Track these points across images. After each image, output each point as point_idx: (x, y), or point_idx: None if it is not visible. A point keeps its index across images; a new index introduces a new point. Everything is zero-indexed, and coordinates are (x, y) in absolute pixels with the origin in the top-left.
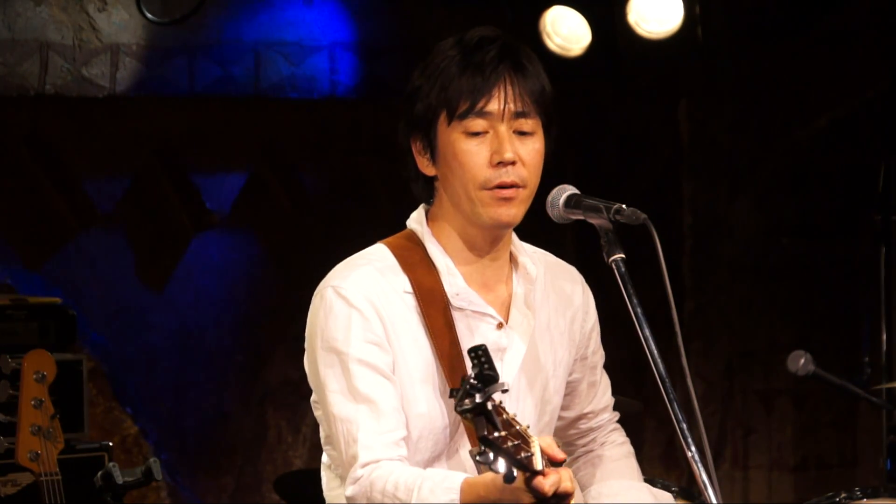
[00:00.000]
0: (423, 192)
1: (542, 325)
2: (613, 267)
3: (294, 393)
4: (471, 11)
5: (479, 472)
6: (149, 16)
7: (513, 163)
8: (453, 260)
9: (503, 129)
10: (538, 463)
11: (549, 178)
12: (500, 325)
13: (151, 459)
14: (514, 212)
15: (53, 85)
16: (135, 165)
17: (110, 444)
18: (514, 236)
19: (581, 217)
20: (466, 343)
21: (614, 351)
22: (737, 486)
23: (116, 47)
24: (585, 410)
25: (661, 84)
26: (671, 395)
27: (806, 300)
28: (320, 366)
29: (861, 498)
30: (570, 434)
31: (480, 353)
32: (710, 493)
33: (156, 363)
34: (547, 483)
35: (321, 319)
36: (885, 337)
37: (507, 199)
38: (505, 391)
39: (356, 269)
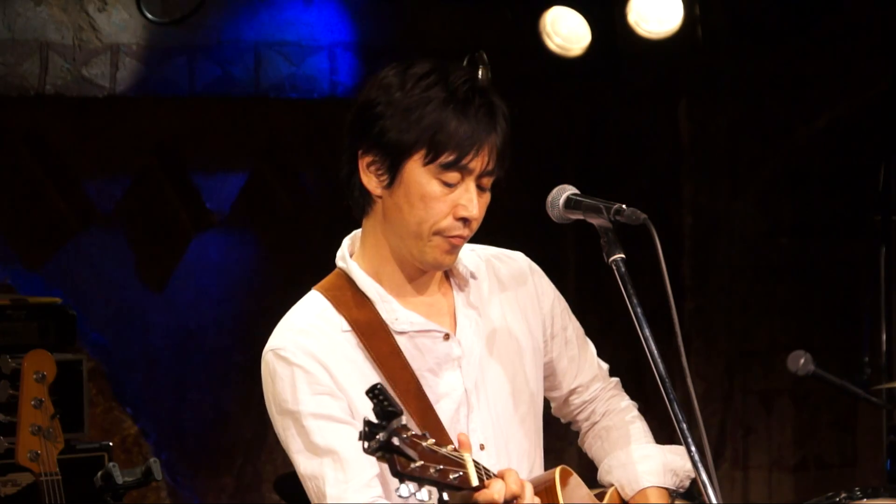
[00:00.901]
0: (357, 202)
1: (497, 318)
2: (613, 267)
3: None
4: (471, 11)
5: None
6: (149, 16)
7: (474, 218)
8: (385, 285)
9: (472, 185)
10: (473, 480)
11: (550, 178)
12: (446, 336)
13: (151, 459)
14: (455, 257)
15: (53, 85)
16: (135, 165)
17: (110, 444)
18: None
19: (581, 217)
20: (417, 364)
21: (615, 351)
22: (737, 486)
23: (116, 47)
24: (573, 385)
25: (661, 84)
26: (671, 395)
27: (806, 300)
28: (279, 430)
29: (861, 498)
30: (569, 412)
31: (377, 392)
32: (710, 493)
33: (156, 363)
34: (494, 492)
35: (269, 385)
36: (885, 337)
37: (454, 247)
38: (403, 425)
39: (291, 326)
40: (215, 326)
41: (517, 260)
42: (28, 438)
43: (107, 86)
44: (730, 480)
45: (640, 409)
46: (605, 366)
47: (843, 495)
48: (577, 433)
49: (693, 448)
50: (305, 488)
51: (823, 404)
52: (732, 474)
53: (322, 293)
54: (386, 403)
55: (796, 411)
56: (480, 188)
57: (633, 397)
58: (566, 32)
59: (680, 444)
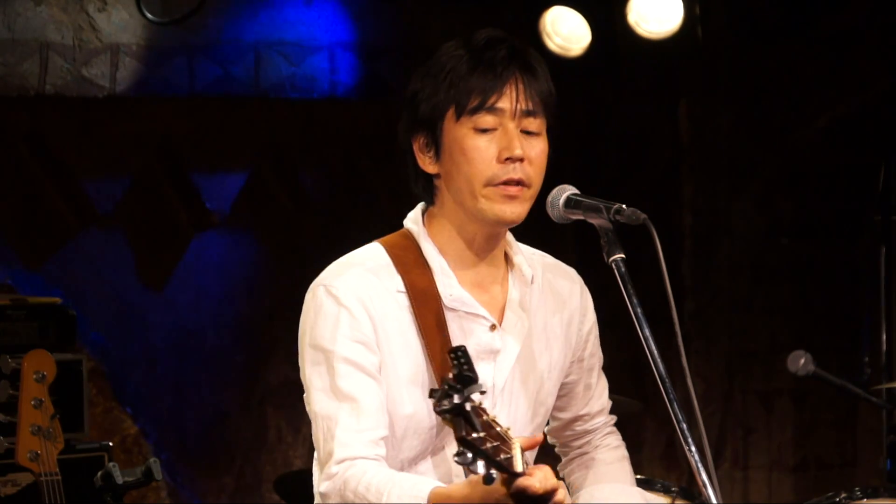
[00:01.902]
0: (424, 190)
1: (538, 327)
2: (613, 267)
3: (294, 393)
4: (470, 12)
5: (465, 472)
6: (149, 16)
7: (521, 159)
8: (449, 260)
9: (512, 126)
10: (518, 465)
11: (549, 178)
12: (493, 327)
13: (151, 459)
14: (519, 210)
15: (53, 85)
16: (135, 165)
17: (110, 444)
18: (511, 237)
19: (581, 217)
20: (458, 344)
21: (614, 351)
22: (737, 486)
23: (116, 47)
24: (581, 413)
25: (661, 84)
26: (671, 395)
27: (806, 300)
28: (307, 363)
29: (861, 498)
30: (565, 435)
31: (460, 354)
32: (710, 493)
33: (156, 363)
34: (536, 481)
35: (311, 317)
36: (885, 337)
37: (512, 197)
38: (483, 392)
39: (349, 268)
40: (215, 326)
41: (571, 276)
42: (28, 438)
43: (107, 86)
44: (730, 480)
45: (640, 409)
46: (610, 402)
47: (843, 495)
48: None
49: (693, 448)
50: (314, 424)
51: (823, 404)
52: (732, 474)
53: (385, 248)
54: (466, 367)
55: (796, 411)
56: (528, 133)
57: (633, 397)
58: (566, 32)
59: (680, 444)
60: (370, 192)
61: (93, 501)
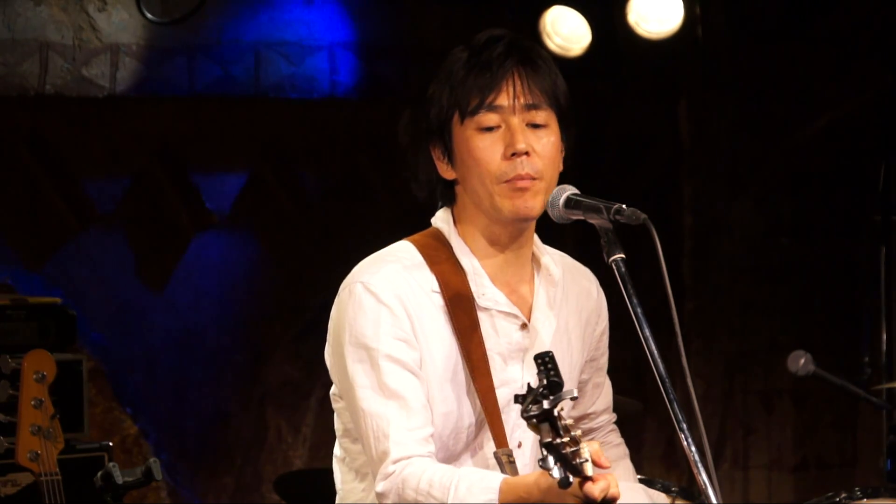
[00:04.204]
0: (445, 197)
1: (562, 326)
2: (613, 267)
3: (294, 393)
4: (470, 12)
5: (504, 471)
6: (149, 16)
7: (526, 153)
8: (478, 260)
9: (515, 121)
10: (589, 469)
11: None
12: (523, 326)
13: (151, 459)
14: (531, 203)
15: (53, 85)
16: (135, 165)
17: (110, 444)
18: (536, 237)
19: (581, 217)
20: (491, 343)
21: (614, 351)
22: (737, 486)
23: (116, 47)
24: (588, 411)
25: (661, 84)
26: (671, 395)
27: (806, 300)
28: (348, 361)
29: (861, 498)
30: None
31: (547, 360)
32: (710, 493)
33: (156, 363)
34: (597, 489)
35: (350, 314)
36: (885, 337)
37: (523, 190)
38: (574, 399)
39: (385, 265)
40: (215, 326)
41: (589, 277)
42: (28, 438)
43: (107, 86)
44: (730, 480)
45: (640, 409)
46: (612, 401)
47: (843, 495)
48: None
49: (693, 448)
50: (360, 422)
51: (823, 404)
52: (732, 474)
53: (417, 248)
54: (553, 373)
55: (796, 411)
56: (534, 125)
57: (632, 397)
58: (566, 32)
59: (680, 444)
60: (370, 192)
61: (93, 501)
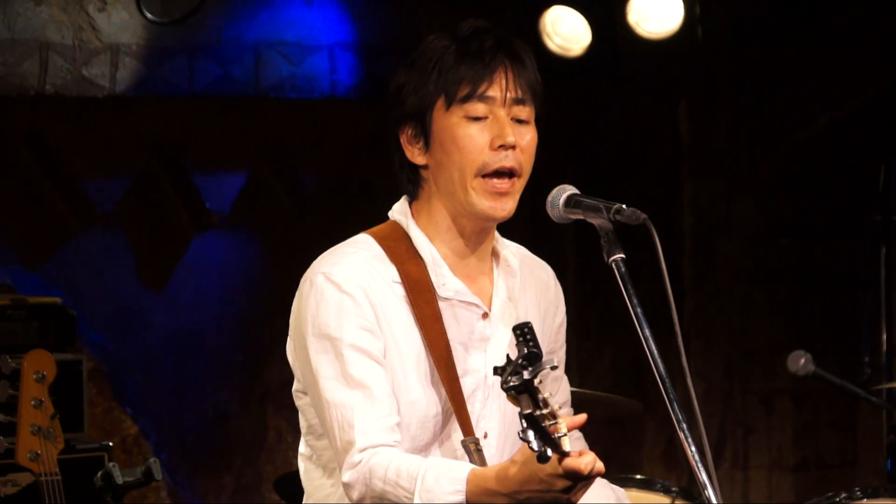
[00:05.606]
0: (409, 182)
1: (521, 316)
2: (613, 267)
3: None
4: (470, 11)
5: (472, 460)
6: (149, 16)
7: (513, 147)
8: (438, 251)
9: (503, 114)
10: (567, 444)
11: (549, 178)
12: (484, 315)
13: (151, 459)
14: (509, 207)
15: (53, 85)
16: (135, 165)
17: (110, 444)
18: (495, 230)
19: (581, 217)
20: (453, 333)
21: (614, 351)
22: (737, 486)
23: (116, 47)
24: None
25: (661, 84)
26: (671, 395)
27: (806, 300)
28: (311, 352)
29: (861, 498)
30: None
31: (526, 331)
32: (710, 493)
33: (156, 363)
34: (583, 462)
35: (312, 306)
36: (885, 337)
37: (502, 194)
38: (554, 367)
39: (346, 256)
40: (215, 326)
41: (546, 269)
42: (28, 438)
43: (107, 86)
44: (730, 480)
45: (640, 409)
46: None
47: (843, 495)
48: None
49: (693, 448)
50: (325, 413)
51: (823, 404)
52: (732, 474)
53: (376, 240)
54: (532, 344)
55: (796, 411)
56: (518, 120)
57: (632, 397)
58: (566, 32)
59: (680, 444)
60: (370, 192)
61: (93, 501)
